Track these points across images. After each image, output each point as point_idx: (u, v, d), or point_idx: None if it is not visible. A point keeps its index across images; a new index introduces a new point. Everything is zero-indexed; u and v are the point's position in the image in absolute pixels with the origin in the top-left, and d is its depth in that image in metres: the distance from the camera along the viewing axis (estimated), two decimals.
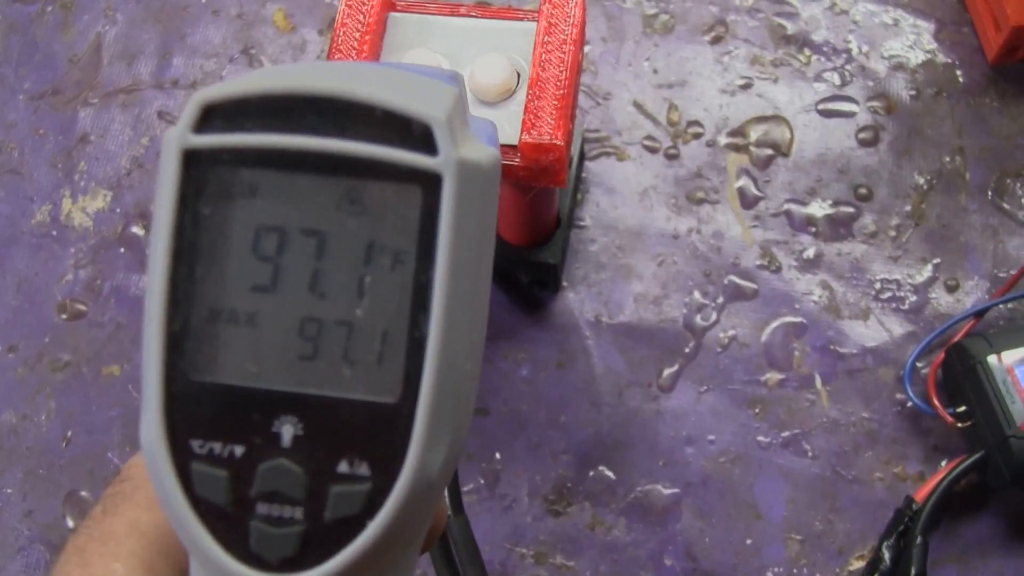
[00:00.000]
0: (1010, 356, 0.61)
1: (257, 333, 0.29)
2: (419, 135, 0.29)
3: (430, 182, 0.29)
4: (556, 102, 0.56)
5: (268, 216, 0.29)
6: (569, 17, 0.58)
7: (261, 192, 0.29)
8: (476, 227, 0.30)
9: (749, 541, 0.63)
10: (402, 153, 0.29)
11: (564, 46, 0.58)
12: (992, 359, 0.61)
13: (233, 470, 0.29)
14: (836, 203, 0.71)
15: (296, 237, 0.29)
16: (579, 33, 0.59)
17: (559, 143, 0.55)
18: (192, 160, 0.29)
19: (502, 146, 0.56)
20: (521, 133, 0.56)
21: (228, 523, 0.29)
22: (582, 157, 0.71)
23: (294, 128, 0.29)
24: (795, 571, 0.63)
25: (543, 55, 0.57)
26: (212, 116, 0.29)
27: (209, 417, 0.29)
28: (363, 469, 0.29)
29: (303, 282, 0.29)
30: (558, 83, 0.57)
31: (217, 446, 0.29)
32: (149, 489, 0.35)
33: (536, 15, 0.59)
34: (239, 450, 0.29)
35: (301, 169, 0.29)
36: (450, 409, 0.29)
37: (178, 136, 0.29)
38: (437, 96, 0.30)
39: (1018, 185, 0.70)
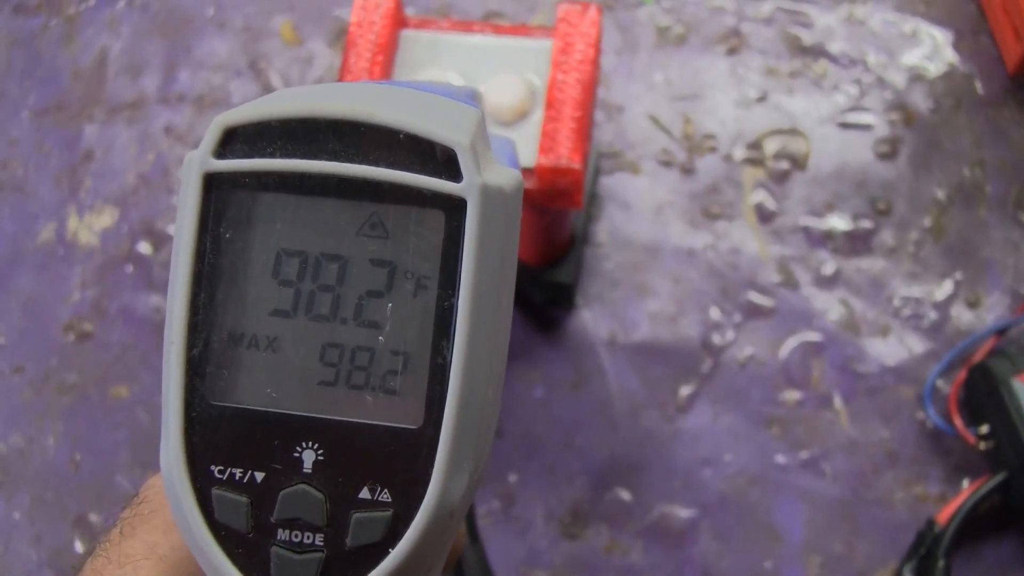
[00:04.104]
0: None
1: (278, 358, 0.29)
2: (443, 160, 0.28)
3: (454, 207, 0.28)
4: (573, 124, 0.55)
5: (289, 240, 0.29)
6: (585, 36, 0.57)
7: (282, 216, 0.29)
8: (500, 252, 0.29)
9: (768, 564, 0.62)
10: (425, 178, 0.28)
11: (581, 66, 0.57)
12: (1016, 380, 0.60)
13: (254, 496, 0.29)
14: (854, 218, 0.69)
15: (318, 262, 0.29)
16: (596, 52, 0.57)
17: (576, 166, 0.54)
18: (213, 184, 0.29)
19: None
20: (538, 156, 0.55)
21: (248, 549, 0.29)
22: (596, 173, 0.70)
23: (316, 153, 0.29)
24: None
25: (559, 76, 0.56)
26: (233, 140, 0.29)
27: (230, 442, 0.29)
28: (385, 496, 0.29)
29: (324, 307, 0.29)
30: (575, 104, 0.56)
31: (238, 472, 0.29)
32: (166, 512, 0.35)
33: (551, 32, 0.58)
34: (260, 476, 0.29)
35: (323, 194, 0.29)
36: (472, 436, 0.29)
37: (199, 160, 0.29)
38: (460, 119, 0.30)
39: None
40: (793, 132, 0.72)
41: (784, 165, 0.71)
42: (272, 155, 0.29)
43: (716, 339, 0.67)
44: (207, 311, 0.29)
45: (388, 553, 0.28)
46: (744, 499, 0.64)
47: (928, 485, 0.64)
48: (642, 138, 0.72)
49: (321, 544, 0.29)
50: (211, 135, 0.29)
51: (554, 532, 0.64)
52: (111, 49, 0.76)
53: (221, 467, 0.29)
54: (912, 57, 0.74)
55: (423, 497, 0.28)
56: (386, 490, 0.29)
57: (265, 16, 0.77)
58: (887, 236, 0.69)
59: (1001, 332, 0.65)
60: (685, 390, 0.66)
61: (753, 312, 0.67)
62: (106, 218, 0.72)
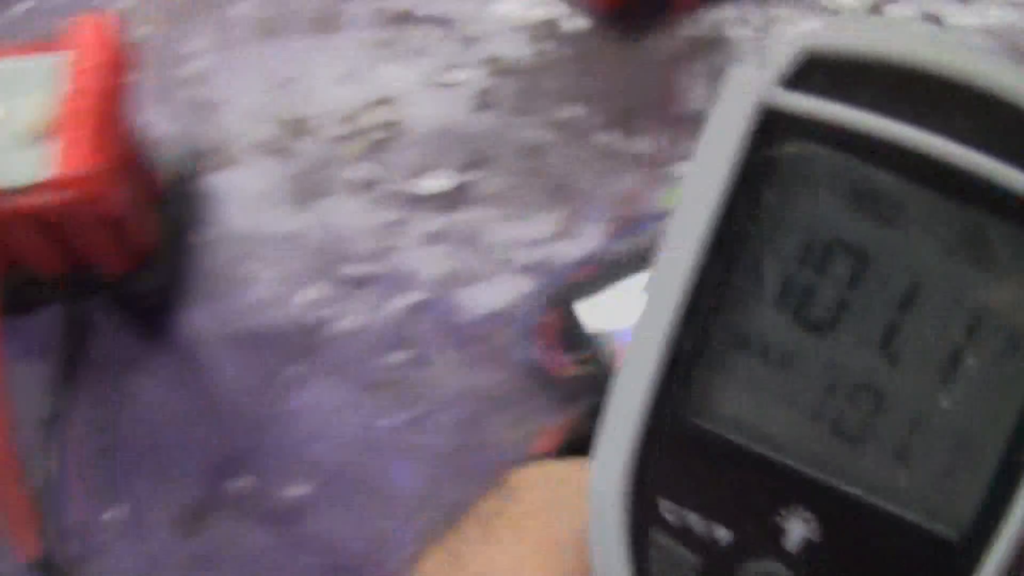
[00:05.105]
0: (595, 302, 0.62)
1: (790, 382, 0.23)
2: None
3: None
4: (93, 131, 0.56)
5: (851, 230, 0.22)
6: (100, 42, 0.58)
7: (855, 195, 0.22)
8: None
9: (386, 523, 0.63)
10: None
11: (96, 74, 0.58)
12: (579, 305, 0.62)
13: (708, 559, 0.23)
14: (457, 171, 0.71)
15: (879, 271, 0.22)
16: (116, 57, 0.58)
17: (95, 174, 0.55)
18: (770, 124, 0.22)
19: (36, 186, 0.56)
20: (56, 168, 0.55)
21: None
22: (192, 173, 0.71)
23: (924, 120, 0.21)
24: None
25: (73, 88, 0.57)
26: (813, 72, 0.21)
27: (693, 475, 0.23)
28: None
29: (874, 333, 0.22)
30: (97, 113, 0.57)
31: (694, 518, 0.23)
32: (544, 523, 0.30)
33: (58, 48, 0.58)
34: (723, 534, 0.23)
35: (915, 180, 0.21)
36: None
37: (758, 85, 0.22)
38: None
39: (634, 125, 0.71)
40: (388, 101, 0.73)
41: (382, 134, 0.72)
42: (867, 108, 0.21)
43: (320, 316, 0.68)
44: (714, 293, 0.22)
45: None
46: (358, 467, 0.65)
47: (536, 422, 0.65)
48: (243, 131, 0.73)
49: None
50: (785, 57, 0.21)
51: (177, 534, 0.64)
52: None
53: (672, 505, 0.23)
54: (502, 8, 0.75)
55: None
56: None
57: None
58: (487, 186, 0.71)
59: (589, 263, 0.67)
60: (293, 370, 0.67)
61: (359, 282, 0.69)
62: None
